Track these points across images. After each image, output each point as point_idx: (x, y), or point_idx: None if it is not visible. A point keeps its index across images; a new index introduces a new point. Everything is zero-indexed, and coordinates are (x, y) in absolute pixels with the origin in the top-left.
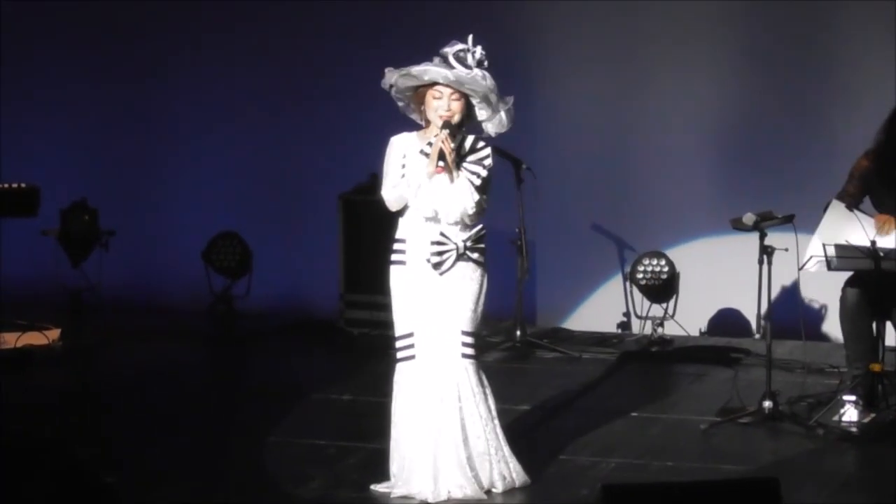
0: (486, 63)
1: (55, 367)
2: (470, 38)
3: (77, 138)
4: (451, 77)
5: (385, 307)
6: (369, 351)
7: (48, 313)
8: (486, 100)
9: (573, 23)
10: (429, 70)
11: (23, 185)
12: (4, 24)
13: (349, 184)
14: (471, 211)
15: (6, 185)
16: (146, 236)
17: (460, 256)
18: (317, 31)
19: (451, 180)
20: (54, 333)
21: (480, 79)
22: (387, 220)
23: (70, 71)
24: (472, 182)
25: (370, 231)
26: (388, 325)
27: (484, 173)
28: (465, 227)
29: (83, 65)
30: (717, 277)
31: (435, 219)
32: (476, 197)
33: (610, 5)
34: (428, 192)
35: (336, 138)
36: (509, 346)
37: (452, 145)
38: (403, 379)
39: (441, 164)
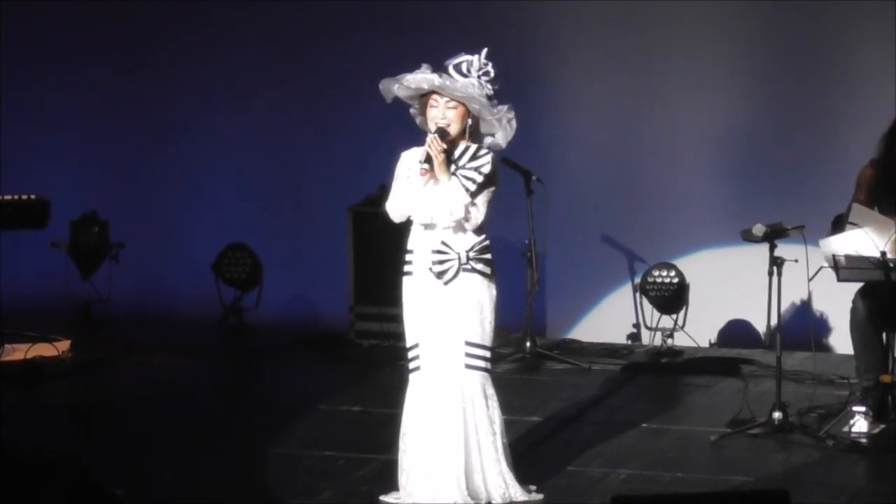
0: (492, 73)
1: (65, 380)
2: (484, 51)
3: (87, 150)
4: (436, 82)
5: (395, 318)
6: (379, 362)
7: (58, 326)
8: (475, 106)
9: (584, 34)
10: (413, 78)
11: (33, 196)
12: (12, 34)
13: (358, 196)
14: (458, 214)
15: (16, 197)
16: (156, 248)
17: (463, 267)
18: (327, 42)
19: (436, 182)
20: (64, 345)
21: (467, 86)
22: (396, 232)
23: (80, 83)
24: (465, 187)
25: (379, 243)
26: (397, 336)
27: (479, 179)
28: (466, 235)
29: (93, 77)
30: (727, 289)
31: (430, 224)
32: (465, 200)
33: (621, 17)
34: (420, 196)
35: (345, 150)
36: (519, 358)
37: (441, 148)
38: (411, 390)
39: (426, 166)
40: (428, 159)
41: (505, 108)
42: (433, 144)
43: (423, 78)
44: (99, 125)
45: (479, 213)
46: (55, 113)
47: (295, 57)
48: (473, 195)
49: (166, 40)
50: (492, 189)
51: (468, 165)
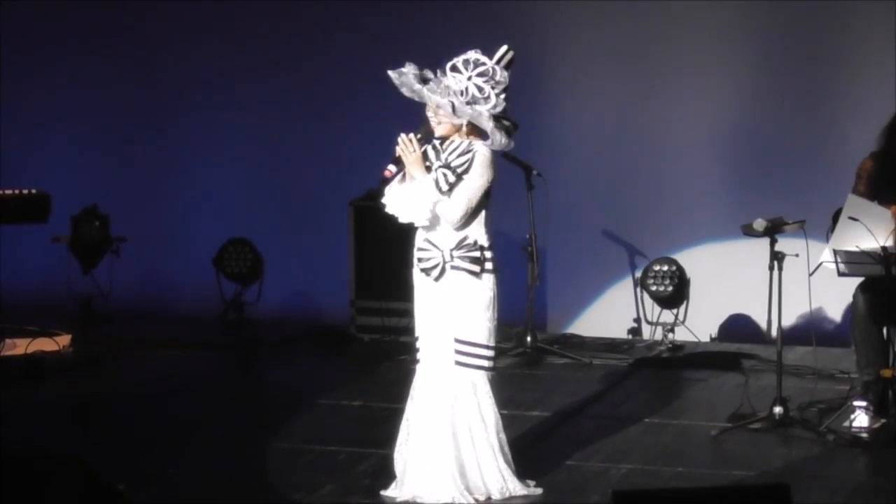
0: (490, 71)
1: (66, 374)
2: (503, 48)
3: (88, 144)
4: (403, 87)
5: (396, 313)
6: (380, 357)
7: (59, 320)
8: (452, 110)
9: (584, 29)
10: (393, 77)
11: (33, 191)
12: (14, 29)
13: (360, 190)
14: (425, 213)
15: (17, 191)
16: (157, 243)
17: (451, 265)
18: (327, 37)
19: (401, 182)
20: (65, 339)
21: (432, 91)
22: (397, 227)
23: (81, 77)
24: (437, 184)
25: (381, 237)
26: (398, 331)
27: (451, 178)
28: (450, 233)
29: (94, 71)
30: (728, 283)
31: (412, 225)
32: (434, 199)
33: (621, 12)
34: (397, 195)
35: (346, 144)
36: (520, 352)
37: (412, 148)
38: (414, 382)
39: (391, 167)
40: (397, 160)
41: (482, 109)
42: (405, 145)
43: (393, 75)
44: (99, 119)
45: (454, 211)
46: (56, 107)
47: (296, 51)
48: (449, 192)
49: (167, 35)
50: (476, 186)
51: (453, 163)
